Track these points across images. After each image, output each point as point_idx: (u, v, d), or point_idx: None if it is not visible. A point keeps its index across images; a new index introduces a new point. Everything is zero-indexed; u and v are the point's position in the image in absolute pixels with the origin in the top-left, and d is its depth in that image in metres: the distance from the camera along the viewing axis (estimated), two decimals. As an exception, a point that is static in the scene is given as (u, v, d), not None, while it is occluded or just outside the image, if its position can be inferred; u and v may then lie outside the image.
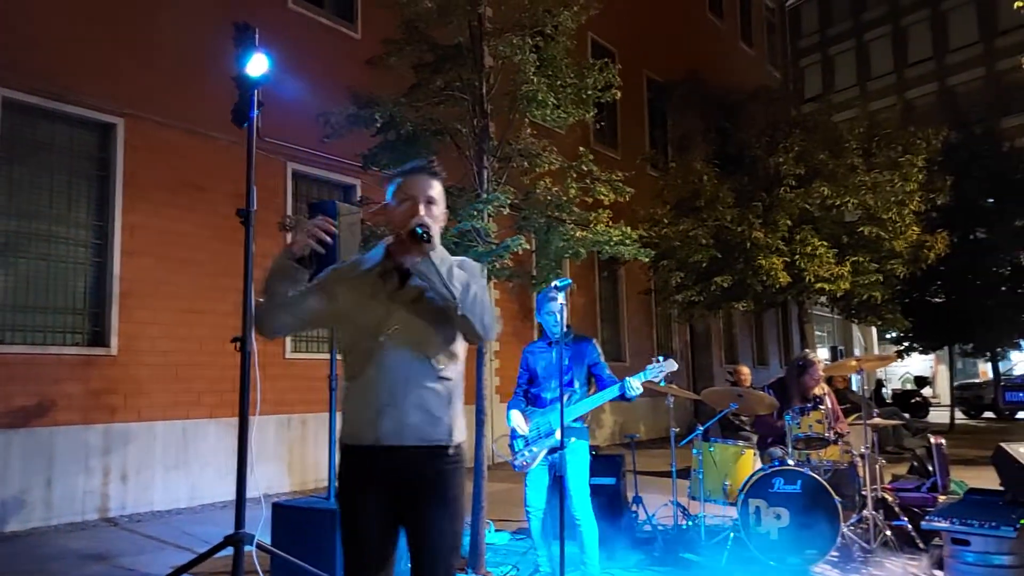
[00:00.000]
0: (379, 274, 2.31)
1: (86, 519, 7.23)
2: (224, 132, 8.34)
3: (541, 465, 4.58)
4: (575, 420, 4.46)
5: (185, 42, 8.49)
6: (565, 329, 4.48)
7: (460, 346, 2.34)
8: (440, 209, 2.35)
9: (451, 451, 2.25)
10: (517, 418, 4.65)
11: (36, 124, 7.51)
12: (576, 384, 4.56)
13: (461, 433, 2.30)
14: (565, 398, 4.22)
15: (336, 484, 2.32)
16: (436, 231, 2.21)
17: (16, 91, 7.23)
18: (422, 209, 2.27)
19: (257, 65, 4.09)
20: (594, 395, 4.53)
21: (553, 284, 4.10)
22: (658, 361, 4.54)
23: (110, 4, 7.99)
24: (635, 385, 4.42)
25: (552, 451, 4.52)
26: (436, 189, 2.34)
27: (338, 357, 5.34)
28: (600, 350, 4.74)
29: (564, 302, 4.31)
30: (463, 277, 2.18)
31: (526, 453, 4.56)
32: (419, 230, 2.14)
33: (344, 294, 2.33)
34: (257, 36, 4.14)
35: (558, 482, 4.28)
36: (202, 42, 8.43)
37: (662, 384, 4.74)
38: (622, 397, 4.47)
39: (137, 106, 8.10)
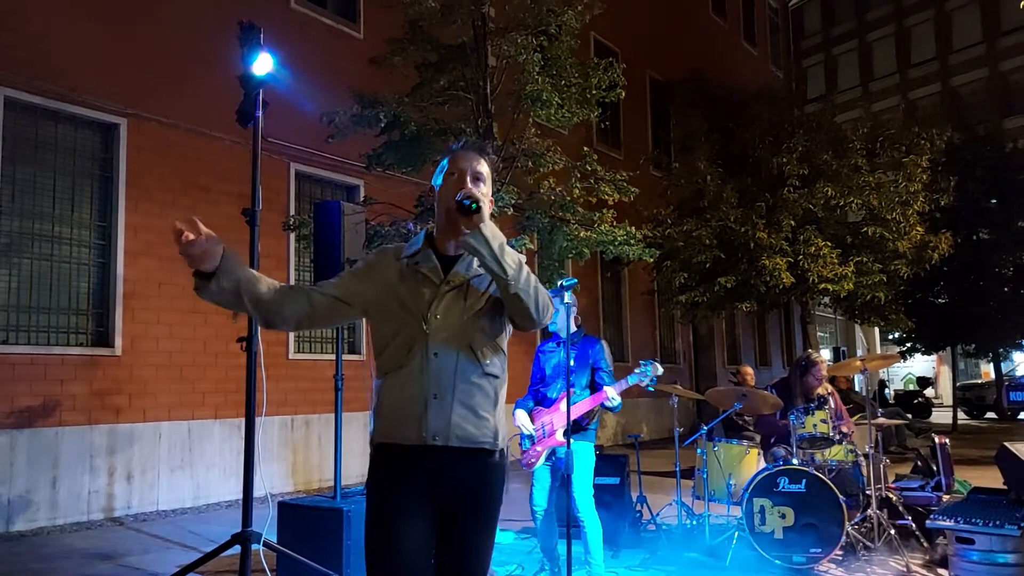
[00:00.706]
0: (420, 261, 2.17)
1: (91, 519, 7.25)
2: (227, 132, 8.37)
3: (545, 464, 4.59)
4: (582, 419, 4.46)
5: (188, 42, 8.51)
6: (575, 328, 4.50)
7: (506, 340, 2.21)
8: (488, 188, 2.23)
9: (496, 456, 2.11)
10: (522, 417, 4.67)
11: (39, 124, 7.53)
12: (576, 386, 4.56)
13: (506, 434, 2.15)
14: (565, 398, 4.23)
15: (367, 486, 2.13)
16: (486, 206, 2.04)
17: (19, 91, 7.25)
18: (469, 183, 2.15)
19: (262, 64, 4.10)
20: (582, 403, 4.49)
21: (559, 284, 4.11)
22: (642, 366, 4.53)
23: (113, 4, 8.01)
24: (612, 395, 4.42)
25: (557, 449, 4.53)
26: (484, 167, 2.22)
27: (341, 354, 5.34)
28: (607, 352, 4.74)
29: (572, 302, 4.32)
30: (516, 256, 2.02)
31: (531, 452, 4.58)
32: (466, 201, 2.00)
33: (381, 284, 2.17)
34: (262, 35, 4.14)
35: (563, 481, 4.28)
36: (205, 42, 8.45)
37: (651, 389, 4.72)
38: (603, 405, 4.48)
39: (140, 106, 8.12)
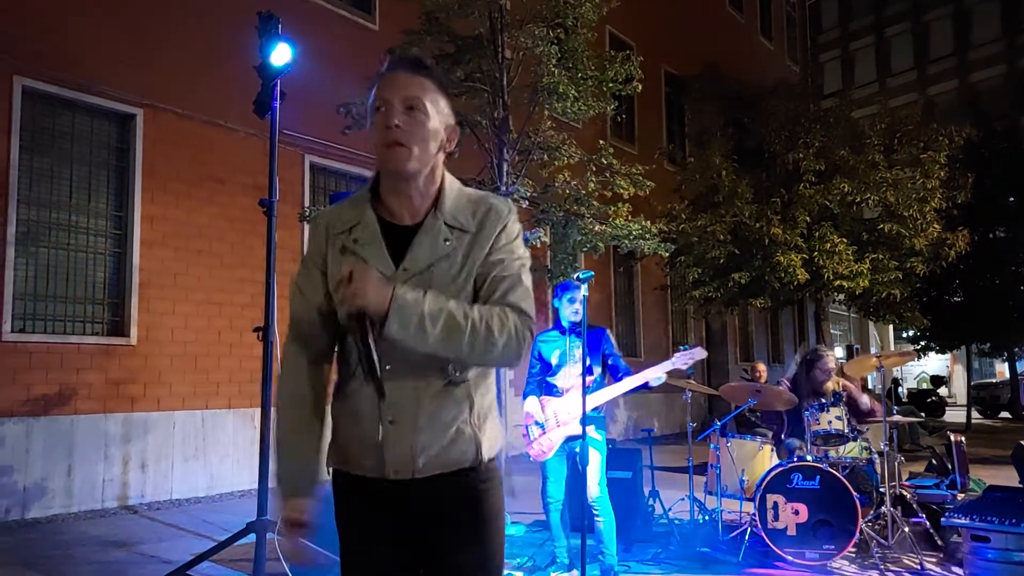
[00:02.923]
0: (359, 238, 1.67)
1: (106, 507, 7.30)
2: (242, 124, 8.39)
3: (558, 455, 4.59)
4: (593, 409, 4.46)
5: (204, 33, 8.53)
6: (577, 321, 4.54)
7: None
8: (432, 120, 1.63)
9: (481, 469, 1.68)
10: (533, 404, 4.65)
11: (57, 114, 7.57)
12: (596, 372, 4.57)
13: (493, 443, 1.71)
14: (582, 387, 4.24)
15: (335, 511, 1.78)
16: (368, 279, 1.48)
17: (37, 81, 7.29)
18: (394, 113, 1.60)
19: (280, 55, 4.10)
20: (617, 384, 4.54)
21: (576, 275, 4.12)
22: (683, 350, 4.58)
23: (131, -4, 8.03)
24: (660, 374, 4.46)
25: (569, 440, 4.53)
26: (423, 88, 1.63)
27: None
28: (613, 339, 4.76)
29: (586, 294, 4.33)
30: (449, 319, 1.51)
31: (542, 441, 4.57)
32: (352, 311, 1.51)
33: (331, 264, 1.68)
34: (280, 26, 4.14)
35: (577, 473, 4.29)
36: (221, 33, 8.47)
37: (690, 372, 4.76)
38: (644, 386, 4.50)
39: (156, 97, 8.15)
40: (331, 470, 1.76)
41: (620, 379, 4.56)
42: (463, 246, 1.63)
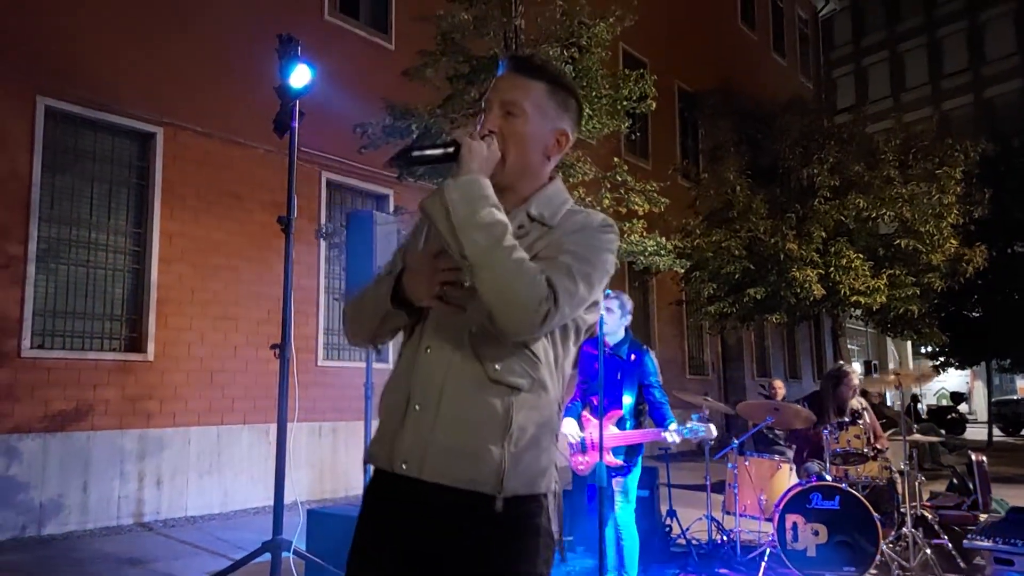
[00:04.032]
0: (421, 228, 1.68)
1: (121, 523, 7.32)
2: (260, 141, 8.46)
3: (588, 477, 4.60)
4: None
5: (223, 53, 8.63)
6: (623, 337, 4.49)
7: (555, 350, 1.55)
8: (532, 124, 1.58)
9: (498, 506, 1.43)
10: (571, 426, 4.57)
11: (78, 133, 7.66)
12: (626, 401, 4.47)
13: (531, 480, 1.48)
14: (615, 417, 4.34)
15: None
16: (479, 150, 1.48)
17: (59, 100, 7.38)
18: (493, 120, 1.58)
19: (300, 76, 4.14)
20: (635, 433, 4.45)
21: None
22: (701, 421, 4.51)
23: (151, 16, 8.13)
24: (676, 439, 4.42)
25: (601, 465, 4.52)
26: (525, 91, 1.59)
27: (371, 362, 5.36)
28: (656, 365, 4.61)
29: (613, 308, 4.31)
30: (500, 230, 1.40)
31: (579, 460, 4.55)
32: (444, 147, 1.52)
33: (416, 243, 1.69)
34: (300, 48, 4.19)
35: (596, 496, 4.27)
36: (240, 53, 8.56)
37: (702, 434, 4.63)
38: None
39: (176, 115, 8.24)
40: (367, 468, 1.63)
41: (652, 415, 4.53)
42: (537, 237, 1.54)
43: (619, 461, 4.35)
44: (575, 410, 4.65)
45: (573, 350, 1.63)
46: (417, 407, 1.49)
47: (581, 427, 4.56)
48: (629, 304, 4.57)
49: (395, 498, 1.51)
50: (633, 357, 4.50)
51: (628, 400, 4.47)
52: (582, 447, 4.51)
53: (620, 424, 4.41)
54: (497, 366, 1.46)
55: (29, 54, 7.20)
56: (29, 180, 7.10)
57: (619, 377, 4.46)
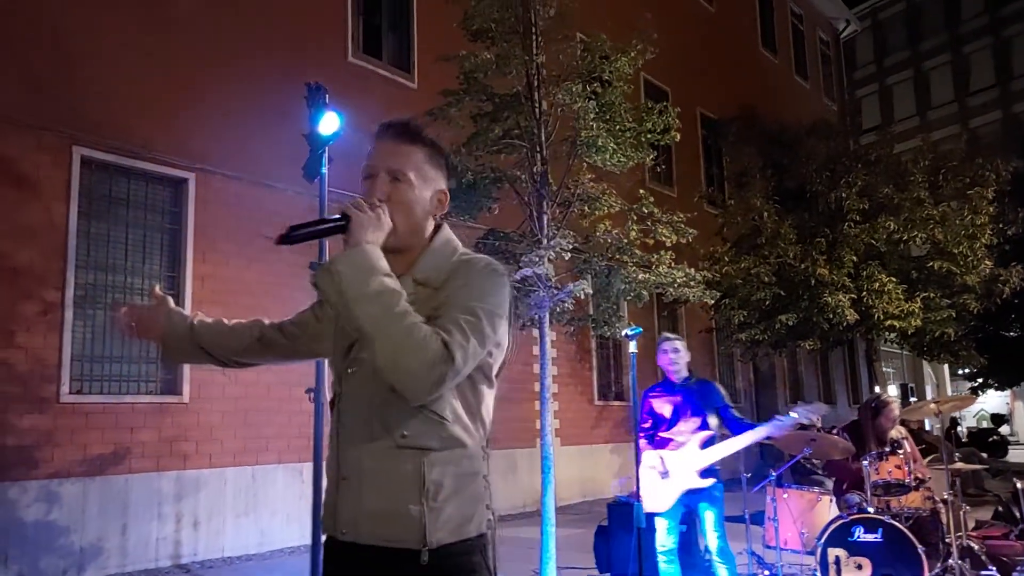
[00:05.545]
0: None
1: (159, 566, 7.36)
2: (289, 183, 8.57)
3: (675, 507, 4.67)
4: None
5: (250, 96, 8.80)
6: (687, 374, 4.78)
7: (465, 401, 1.61)
8: (417, 189, 1.67)
9: (423, 558, 1.52)
10: (654, 457, 4.72)
11: (113, 181, 7.84)
12: (712, 423, 4.69)
13: (460, 525, 1.57)
14: (701, 439, 4.51)
15: None
16: (369, 221, 1.53)
17: (94, 149, 7.58)
18: (382, 187, 1.64)
19: (329, 124, 4.22)
20: (737, 437, 4.62)
21: (624, 333, 4.18)
22: (806, 403, 4.72)
23: (181, 65, 8.33)
24: (787, 427, 4.62)
25: (688, 493, 4.60)
26: (408, 157, 1.69)
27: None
28: (724, 392, 4.90)
29: (680, 348, 4.69)
30: (390, 298, 1.47)
31: (661, 494, 4.63)
32: (335, 217, 1.55)
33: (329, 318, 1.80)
34: (327, 96, 4.27)
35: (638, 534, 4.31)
36: (266, 95, 8.73)
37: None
38: (768, 437, 4.67)
39: (206, 160, 8.40)
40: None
41: (738, 431, 4.67)
42: (425, 300, 1.59)
43: (710, 480, 4.61)
44: (658, 443, 4.79)
45: (489, 392, 1.69)
46: (345, 478, 1.60)
47: (660, 458, 4.69)
48: None
49: (342, 562, 1.63)
50: (702, 387, 4.85)
51: (713, 423, 4.73)
52: (665, 472, 4.65)
53: (706, 445, 4.63)
54: (405, 432, 1.55)
55: (65, 106, 7.41)
56: (66, 228, 7.27)
57: (697, 405, 4.72)
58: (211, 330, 1.94)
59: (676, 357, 4.78)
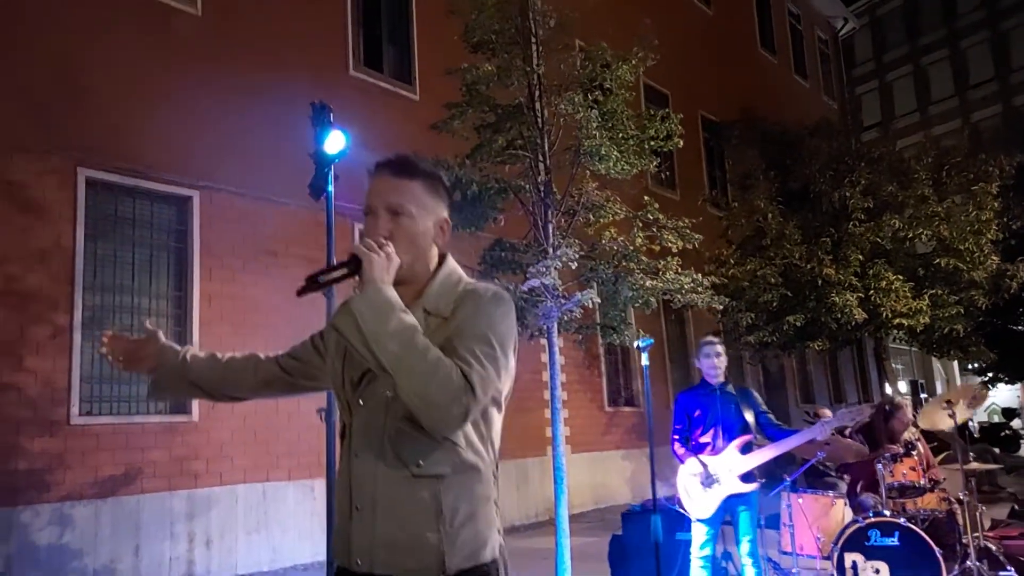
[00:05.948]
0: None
1: (173, 585, 7.35)
2: (293, 198, 8.57)
3: (716, 512, 4.66)
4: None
5: (251, 111, 8.79)
6: (723, 380, 4.79)
7: (477, 426, 1.65)
8: (419, 222, 1.69)
9: None
10: (696, 464, 4.70)
11: (118, 201, 7.85)
12: (740, 434, 4.69)
13: (475, 551, 1.58)
14: (741, 443, 4.53)
15: None
16: (379, 261, 1.55)
17: (99, 170, 7.59)
18: (381, 224, 1.66)
19: (334, 143, 4.22)
20: (777, 443, 4.65)
21: (636, 344, 4.20)
22: (849, 406, 4.83)
23: (182, 85, 8.33)
24: (829, 429, 4.63)
25: (729, 498, 4.60)
26: (406, 192, 1.69)
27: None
28: (760, 398, 4.92)
29: (721, 352, 4.74)
30: (410, 334, 1.49)
31: (704, 499, 4.62)
32: (342, 263, 1.59)
33: (331, 351, 1.81)
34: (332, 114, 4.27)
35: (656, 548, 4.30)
36: (268, 110, 8.73)
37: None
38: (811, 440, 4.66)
39: (210, 178, 8.41)
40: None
41: (778, 437, 4.70)
42: (435, 330, 1.61)
43: (752, 485, 4.60)
44: (688, 456, 4.78)
45: (498, 416, 1.72)
46: (358, 507, 1.61)
47: (702, 463, 4.68)
48: None
49: None
50: (740, 392, 4.87)
51: (752, 424, 4.74)
52: (707, 477, 4.63)
53: (745, 450, 4.63)
54: (420, 462, 1.57)
55: (70, 128, 7.43)
56: (72, 250, 7.29)
57: (737, 409, 4.72)
58: (204, 365, 1.95)
59: (718, 361, 4.81)
